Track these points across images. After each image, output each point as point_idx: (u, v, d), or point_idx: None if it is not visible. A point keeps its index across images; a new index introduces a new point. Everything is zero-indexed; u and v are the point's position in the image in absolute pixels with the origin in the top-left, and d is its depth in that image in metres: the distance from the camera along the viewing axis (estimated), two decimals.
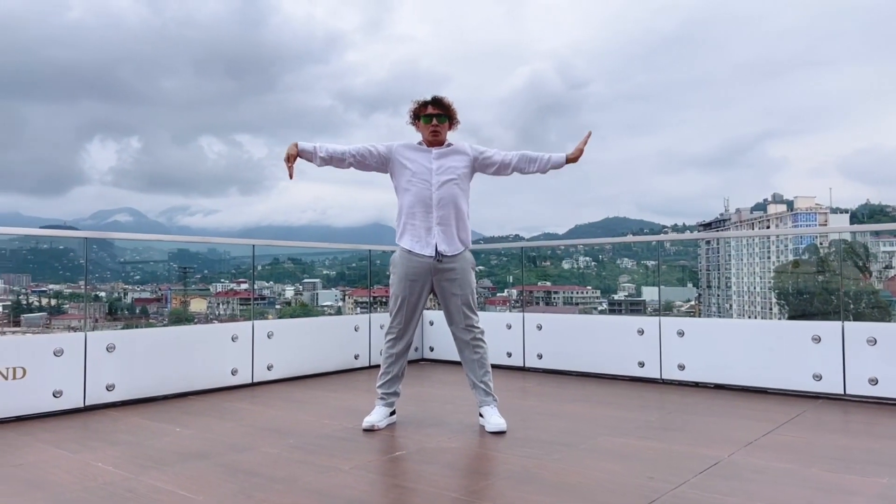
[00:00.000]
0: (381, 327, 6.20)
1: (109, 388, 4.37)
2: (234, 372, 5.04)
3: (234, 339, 5.06)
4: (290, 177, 3.64)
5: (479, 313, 3.86)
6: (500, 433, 3.63)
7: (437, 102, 3.80)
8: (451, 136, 3.90)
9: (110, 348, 4.39)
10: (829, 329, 4.64)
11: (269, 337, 5.27)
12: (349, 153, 3.77)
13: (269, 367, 5.27)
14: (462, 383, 5.37)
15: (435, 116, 3.77)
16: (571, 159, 3.87)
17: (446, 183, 3.74)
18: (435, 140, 3.79)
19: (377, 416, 3.81)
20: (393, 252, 3.86)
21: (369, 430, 3.71)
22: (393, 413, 3.93)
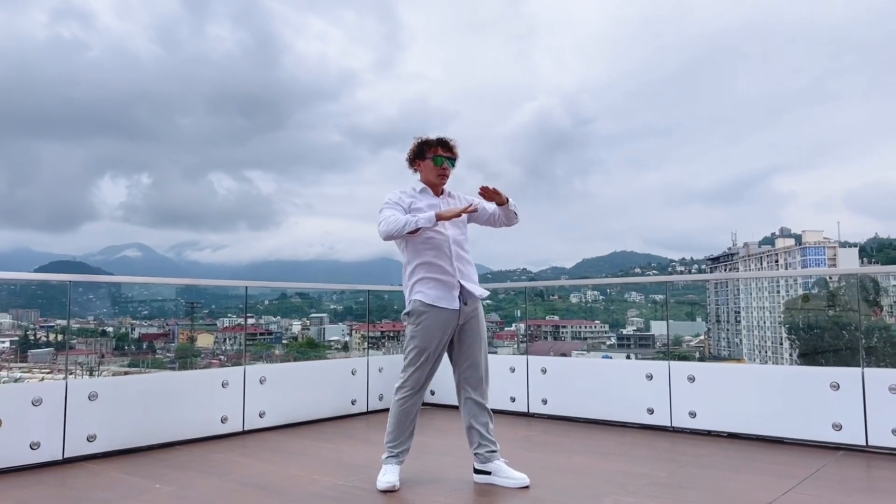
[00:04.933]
0: (380, 370, 5.98)
1: (90, 438, 4.16)
2: (223, 420, 4.81)
3: (224, 385, 4.85)
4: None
5: None
6: (524, 488, 3.47)
7: (449, 146, 3.64)
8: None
9: (92, 396, 4.19)
10: (847, 375, 4.40)
11: (261, 382, 5.06)
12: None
13: (262, 415, 5.04)
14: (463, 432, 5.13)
15: (447, 160, 3.63)
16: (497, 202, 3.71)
17: (459, 229, 3.66)
18: (441, 184, 3.66)
19: (393, 475, 3.51)
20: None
21: (389, 492, 3.43)
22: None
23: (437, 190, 3.68)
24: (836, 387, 4.41)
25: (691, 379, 4.98)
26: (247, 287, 5.18)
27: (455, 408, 6.10)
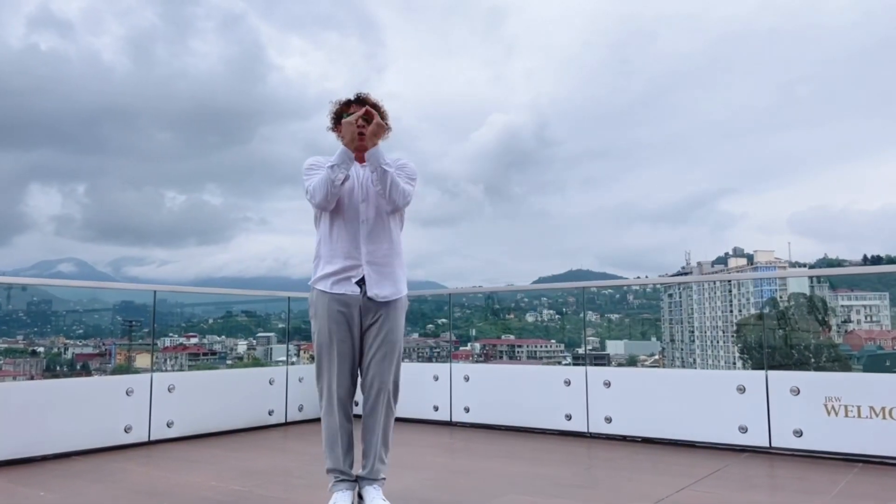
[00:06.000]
0: (300, 380, 5.87)
1: None
2: (127, 429, 4.64)
3: (128, 392, 4.68)
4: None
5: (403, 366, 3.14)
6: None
7: (362, 101, 3.09)
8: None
9: None
10: (752, 378, 4.48)
11: (169, 391, 4.91)
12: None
13: (170, 424, 4.88)
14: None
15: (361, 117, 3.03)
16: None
17: (379, 211, 3.05)
18: (361, 145, 2.98)
19: (343, 502, 2.93)
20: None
21: None
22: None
23: (358, 156, 3.03)
24: (742, 390, 4.48)
25: (607, 384, 5.01)
26: (155, 292, 5.04)
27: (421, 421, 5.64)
